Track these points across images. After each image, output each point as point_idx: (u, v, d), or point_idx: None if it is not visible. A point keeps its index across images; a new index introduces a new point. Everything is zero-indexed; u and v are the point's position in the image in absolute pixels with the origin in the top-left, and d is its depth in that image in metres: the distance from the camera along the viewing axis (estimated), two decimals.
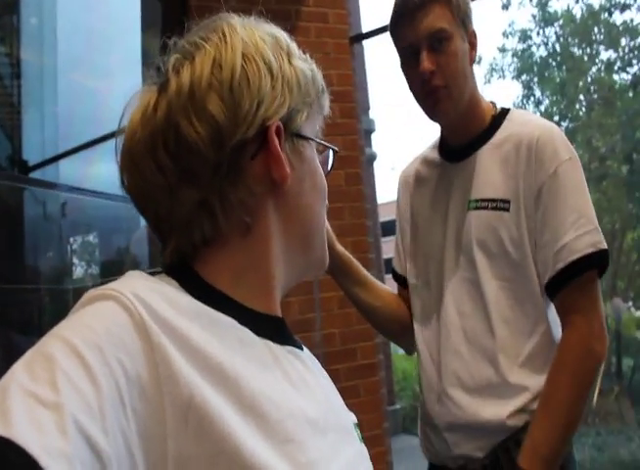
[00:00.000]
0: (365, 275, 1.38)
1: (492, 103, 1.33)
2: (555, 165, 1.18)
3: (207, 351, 0.51)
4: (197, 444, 0.46)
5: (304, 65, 0.67)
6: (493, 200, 1.22)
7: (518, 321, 1.20)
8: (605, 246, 1.17)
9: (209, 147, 0.58)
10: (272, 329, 0.63)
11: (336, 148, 0.73)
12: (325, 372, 0.72)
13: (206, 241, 0.61)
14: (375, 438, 2.61)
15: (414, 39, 1.22)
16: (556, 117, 11.23)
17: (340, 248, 1.32)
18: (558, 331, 1.20)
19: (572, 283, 1.16)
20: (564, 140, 1.22)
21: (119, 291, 0.50)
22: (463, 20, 1.24)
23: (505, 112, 1.30)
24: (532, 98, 12.21)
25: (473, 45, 1.27)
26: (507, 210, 1.21)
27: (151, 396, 0.46)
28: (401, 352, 1.79)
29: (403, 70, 1.30)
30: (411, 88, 1.28)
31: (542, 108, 11.86)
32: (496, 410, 1.18)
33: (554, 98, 11.90)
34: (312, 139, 0.67)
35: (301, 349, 0.68)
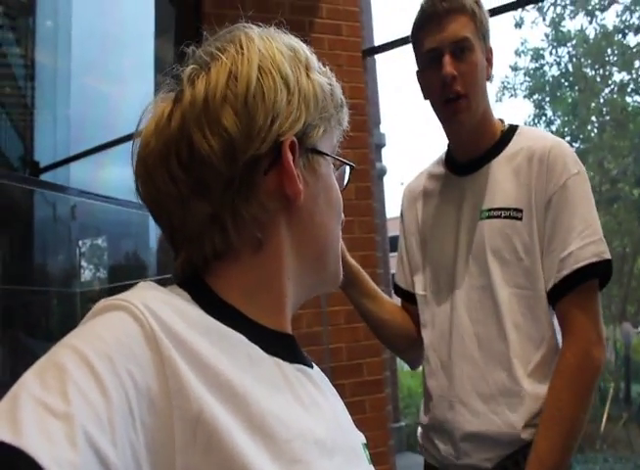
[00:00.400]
0: (374, 288, 1.38)
1: (501, 120, 1.36)
2: (565, 178, 1.21)
3: (217, 367, 0.50)
4: (204, 460, 0.46)
5: (323, 78, 0.65)
6: (506, 209, 1.25)
7: (529, 328, 1.22)
8: (609, 256, 1.20)
9: (222, 161, 0.57)
10: (282, 347, 0.61)
11: (353, 164, 0.72)
12: (334, 390, 0.71)
13: (218, 254, 0.60)
14: (380, 455, 2.57)
15: (439, 44, 1.23)
16: (567, 138, 11.22)
17: (350, 260, 1.32)
18: (560, 339, 1.23)
19: (575, 290, 1.18)
20: (573, 155, 1.25)
21: (131, 302, 0.49)
22: (484, 34, 1.27)
23: (514, 128, 1.34)
24: (544, 117, 12.21)
25: (489, 61, 1.30)
26: (520, 218, 1.24)
27: (160, 409, 0.45)
28: (407, 368, 1.79)
29: (422, 76, 1.30)
30: (430, 94, 1.30)
31: (554, 128, 11.85)
32: (512, 420, 1.19)
33: (566, 118, 11.90)
34: (328, 155, 0.66)
35: (311, 366, 0.66)
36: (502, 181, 1.28)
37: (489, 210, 1.27)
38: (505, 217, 1.25)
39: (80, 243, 3.05)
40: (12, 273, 2.62)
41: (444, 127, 1.33)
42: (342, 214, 0.71)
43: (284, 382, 0.58)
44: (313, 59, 0.66)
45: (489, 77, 1.31)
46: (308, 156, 0.63)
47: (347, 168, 0.72)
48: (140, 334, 0.47)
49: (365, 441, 0.69)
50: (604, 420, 6.33)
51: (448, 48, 1.23)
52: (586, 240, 1.18)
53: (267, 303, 0.62)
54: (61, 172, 3.90)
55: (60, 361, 0.43)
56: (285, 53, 0.62)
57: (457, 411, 1.25)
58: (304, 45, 0.66)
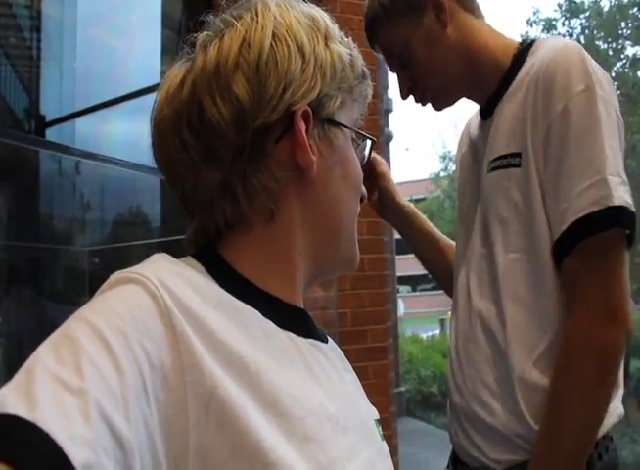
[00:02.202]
0: (429, 228, 1.32)
1: (522, 41, 1.12)
2: (565, 100, 0.95)
3: (230, 344, 0.50)
4: (218, 435, 0.46)
5: (343, 49, 0.64)
6: (504, 156, 1.05)
7: (535, 303, 1.00)
8: (617, 201, 0.91)
9: (232, 128, 0.57)
10: (295, 321, 0.62)
11: (374, 138, 0.71)
12: (349, 366, 0.72)
13: (230, 225, 0.61)
14: (382, 421, 2.58)
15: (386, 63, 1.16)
16: None
17: (401, 200, 1.26)
18: None
19: (577, 249, 0.94)
20: (582, 63, 0.97)
21: (145, 275, 0.49)
22: (405, 6, 1.10)
23: (529, 46, 1.09)
24: None
25: (438, 7, 1.12)
26: (518, 165, 1.02)
27: (173, 384, 0.46)
28: (408, 334, 1.77)
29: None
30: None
31: None
32: (520, 415, 1.01)
33: None
34: (346, 127, 0.64)
35: (326, 341, 0.67)
36: (505, 121, 1.07)
37: (493, 160, 1.08)
38: (504, 167, 1.04)
39: (86, 198, 3.04)
40: (17, 229, 2.62)
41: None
42: (364, 190, 0.70)
43: (298, 357, 0.58)
44: (334, 29, 0.65)
45: (445, 23, 1.11)
46: (324, 126, 0.62)
47: (368, 143, 0.71)
48: (154, 308, 0.47)
49: (378, 416, 0.70)
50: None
51: (391, 66, 1.15)
52: (584, 183, 0.93)
53: (279, 275, 0.62)
54: (66, 127, 3.87)
55: (74, 335, 0.43)
56: (302, 21, 0.61)
57: (465, 398, 1.12)
58: (326, 15, 0.65)
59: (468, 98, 1.20)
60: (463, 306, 1.14)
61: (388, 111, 9.36)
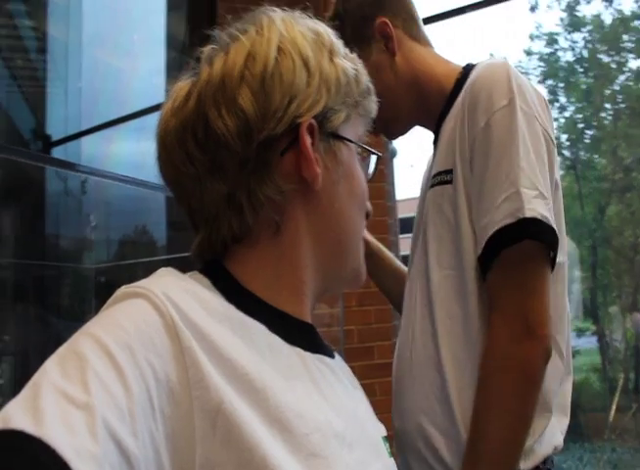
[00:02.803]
0: (396, 266, 1.31)
1: (465, 66, 1.11)
2: (488, 116, 0.94)
3: (236, 359, 0.50)
4: (224, 451, 0.46)
5: (349, 64, 0.64)
6: (440, 173, 1.05)
7: (464, 320, 0.97)
8: (529, 213, 0.88)
9: (237, 140, 0.57)
10: (303, 336, 0.61)
11: (379, 153, 0.70)
12: (357, 382, 0.71)
13: (236, 238, 0.60)
14: (389, 438, 2.56)
15: None
16: (580, 125, 11.13)
17: (368, 237, 1.25)
18: None
19: (493, 265, 0.92)
20: (506, 78, 0.95)
21: (151, 290, 0.49)
22: (353, 38, 0.95)
23: (471, 68, 1.07)
24: (557, 103, 12.09)
25: (385, 37, 1.11)
26: (450, 181, 1.01)
27: (180, 399, 0.45)
28: None
29: None
30: None
31: (567, 114, 11.74)
32: (445, 448, 0.95)
33: (579, 105, 11.78)
34: (350, 141, 0.64)
35: (332, 357, 0.66)
36: (442, 140, 1.06)
37: (432, 178, 1.07)
38: (438, 183, 1.04)
39: (91, 217, 3.05)
40: (23, 247, 2.62)
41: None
42: (369, 206, 0.69)
43: (305, 372, 0.57)
44: (339, 44, 0.65)
45: (394, 51, 1.11)
46: (329, 141, 0.62)
47: (373, 159, 0.70)
48: (160, 323, 0.47)
49: (385, 433, 0.68)
50: (613, 410, 6.32)
51: None
52: (501, 197, 0.91)
53: (286, 290, 0.61)
54: (72, 146, 3.90)
55: (80, 350, 0.43)
56: (307, 36, 0.61)
57: (403, 422, 1.05)
58: (331, 31, 0.65)
59: (420, 126, 1.19)
60: (404, 327, 1.10)
61: None
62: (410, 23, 1.15)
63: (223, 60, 0.59)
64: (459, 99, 1.05)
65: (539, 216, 0.89)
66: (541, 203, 0.90)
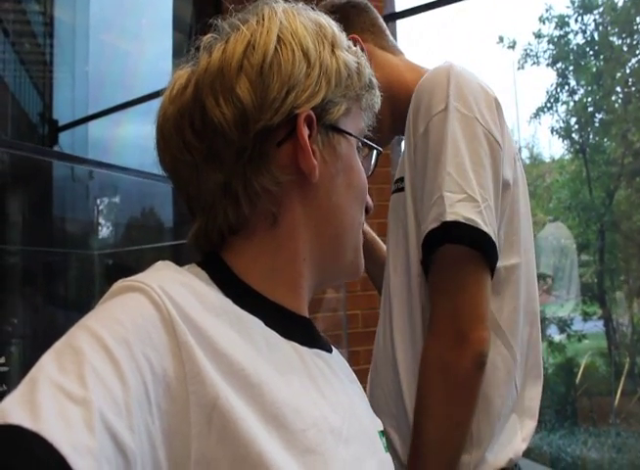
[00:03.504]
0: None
1: (428, 70, 1.09)
2: (426, 122, 0.94)
3: (232, 354, 0.50)
4: (220, 446, 0.46)
5: (350, 57, 0.63)
6: (396, 181, 1.06)
7: (412, 326, 0.98)
8: (450, 217, 0.87)
9: (234, 129, 0.57)
10: (300, 330, 0.61)
11: (380, 149, 0.70)
12: (354, 376, 0.71)
13: (233, 229, 0.60)
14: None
15: None
16: (590, 108, 11.00)
17: (364, 227, 1.26)
18: None
19: (431, 270, 0.92)
20: (446, 83, 0.94)
21: (148, 284, 0.49)
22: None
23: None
24: (567, 87, 11.95)
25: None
26: (402, 188, 1.02)
27: (176, 394, 0.45)
28: None
29: None
30: None
31: (576, 97, 11.61)
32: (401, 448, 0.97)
33: (589, 88, 11.63)
34: (350, 135, 0.64)
35: (330, 351, 0.66)
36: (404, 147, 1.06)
37: (393, 184, 1.09)
38: (395, 191, 1.06)
39: (98, 202, 3.07)
40: (30, 234, 2.64)
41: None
42: (369, 201, 0.70)
43: (301, 367, 0.58)
44: (342, 37, 0.64)
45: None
46: (328, 133, 0.61)
47: (375, 154, 0.71)
48: (157, 318, 0.47)
49: (382, 428, 0.69)
50: (618, 395, 6.30)
51: None
52: (430, 202, 0.91)
53: (284, 283, 0.61)
54: (79, 130, 3.90)
55: (77, 345, 0.43)
56: (309, 27, 0.61)
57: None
58: (334, 23, 0.65)
59: (399, 134, 1.18)
60: (377, 332, 1.12)
61: None
62: (379, 36, 1.16)
63: (222, 48, 0.59)
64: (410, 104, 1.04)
65: (462, 219, 0.87)
66: (468, 206, 0.88)
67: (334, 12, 1.11)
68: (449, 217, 0.88)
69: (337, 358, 0.68)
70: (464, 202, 0.89)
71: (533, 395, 1.03)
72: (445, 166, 0.90)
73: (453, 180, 0.90)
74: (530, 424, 1.01)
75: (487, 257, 0.90)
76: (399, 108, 1.10)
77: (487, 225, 0.89)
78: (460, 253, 0.89)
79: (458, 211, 0.88)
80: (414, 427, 0.92)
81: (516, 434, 0.98)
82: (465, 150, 0.91)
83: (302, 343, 0.60)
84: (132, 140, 3.58)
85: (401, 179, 1.03)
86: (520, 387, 1.00)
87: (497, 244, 0.91)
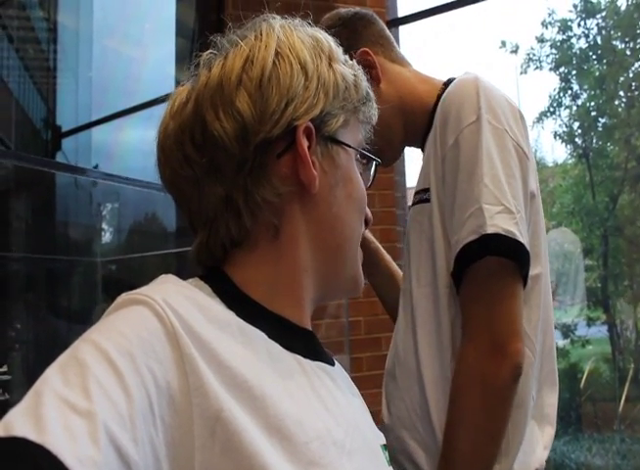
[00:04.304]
0: (393, 268, 1.32)
1: (446, 81, 1.11)
2: (456, 133, 0.95)
3: (236, 367, 0.50)
4: (223, 459, 0.46)
5: (347, 70, 0.64)
6: (419, 192, 1.06)
7: (439, 338, 0.98)
8: (490, 229, 0.88)
9: (234, 142, 0.57)
10: (303, 343, 0.62)
11: (378, 160, 0.71)
12: (356, 389, 0.71)
13: (235, 242, 0.61)
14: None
15: None
16: (593, 113, 10.99)
17: (368, 235, 1.26)
18: None
19: (465, 281, 0.92)
20: (475, 94, 0.95)
21: (152, 297, 0.50)
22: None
23: (450, 83, 1.06)
24: (570, 91, 11.95)
25: (368, 66, 1.09)
26: (428, 200, 1.02)
27: (180, 406, 0.46)
28: None
29: None
30: None
31: (579, 102, 11.61)
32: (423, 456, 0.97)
33: (592, 92, 11.63)
34: (349, 146, 0.65)
35: (332, 364, 0.66)
36: (424, 158, 1.07)
37: (414, 195, 1.08)
38: (417, 202, 1.05)
39: (102, 207, 3.07)
40: (33, 241, 2.65)
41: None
42: (368, 212, 0.70)
43: (304, 380, 0.58)
44: (339, 51, 0.65)
45: (379, 79, 1.11)
46: (327, 144, 0.62)
47: (373, 165, 0.71)
48: (161, 330, 0.47)
49: (384, 442, 0.69)
50: (622, 400, 6.26)
51: None
52: (467, 214, 0.91)
53: (286, 295, 0.62)
54: (83, 135, 3.92)
55: (82, 357, 0.43)
56: (306, 41, 0.62)
57: (388, 437, 1.02)
58: (331, 38, 0.66)
59: (409, 146, 1.19)
60: (392, 343, 1.11)
61: None
62: (388, 48, 1.16)
63: (221, 64, 0.60)
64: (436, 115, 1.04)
65: (502, 232, 0.88)
66: (506, 218, 0.89)
67: (341, 25, 1.12)
68: (490, 230, 0.88)
69: (339, 372, 0.68)
70: (502, 214, 0.89)
71: (551, 401, 1.03)
72: (482, 178, 0.91)
73: (490, 192, 0.91)
74: (550, 431, 1.02)
75: (523, 268, 0.91)
76: (413, 120, 1.11)
77: (523, 236, 0.90)
78: (499, 264, 0.90)
79: (497, 223, 0.89)
80: (446, 438, 0.92)
81: (538, 442, 0.99)
82: (498, 162, 0.93)
83: (305, 355, 0.60)
84: (135, 145, 3.60)
85: (424, 191, 1.03)
86: (535, 394, 1.00)
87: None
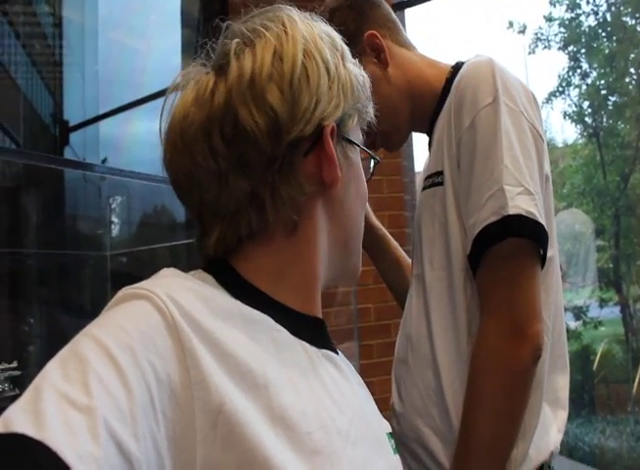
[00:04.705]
0: (397, 252, 1.33)
1: (454, 65, 1.10)
2: (472, 115, 0.95)
3: (240, 356, 0.50)
4: (226, 451, 0.46)
5: (357, 70, 0.65)
6: (431, 175, 1.05)
7: (455, 320, 0.98)
8: (512, 210, 0.88)
9: (267, 139, 0.57)
10: (310, 330, 0.62)
11: (378, 158, 0.72)
12: (360, 378, 0.71)
13: (252, 234, 0.60)
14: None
15: None
16: (603, 91, 10.86)
17: (375, 222, 1.28)
18: None
19: (484, 262, 0.92)
20: (491, 76, 0.95)
21: (153, 291, 0.50)
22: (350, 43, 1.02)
23: (460, 66, 1.06)
24: (579, 70, 11.78)
25: (376, 50, 1.10)
26: (441, 183, 1.01)
27: (181, 400, 0.46)
28: None
29: None
30: None
31: (589, 81, 11.45)
32: (442, 441, 0.97)
33: (602, 71, 11.46)
34: (359, 146, 0.66)
35: (337, 353, 0.66)
36: (434, 142, 1.07)
37: (424, 180, 1.08)
38: (430, 186, 1.05)
39: (111, 200, 3.09)
40: (43, 237, 2.66)
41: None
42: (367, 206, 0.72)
43: (309, 368, 0.58)
44: (347, 49, 0.66)
45: (386, 63, 1.10)
46: (343, 144, 0.63)
47: (372, 161, 0.72)
48: (162, 324, 0.47)
49: (390, 430, 0.69)
50: (636, 382, 6.22)
51: None
52: (487, 195, 0.91)
53: (298, 284, 0.62)
54: (90, 130, 3.94)
55: (82, 352, 0.43)
56: (325, 39, 0.62)
57: (400, 424, 1.06)
58: (338, 34, 0.66)
59: (416, 131, 1.19)
60: (401, 329, 1.12)
61: None
62: (395, 31, 1.15)
63: (252, 56, 0.59)
64: (448, 99, 1.04)
65: (524, 213, 0.88)
66: (526, 199, 0.90)
67: (347, 7, 1.12)
68: (512, 211, 0.88)
69: (345, 361, 0.69)
70: (523, 195, 0.90)
71: (563, 385, 1.04)
72: (502, 160, 0.91)
73: (510, 173, 0.91)
74: (563, 414, 1.02)
75: (542, 249, 0.92)
76: (420, 105, 1.11)
77: (542, 218, 0.91)
78: (520, 246, 0.90)
79: (519, 204, 0.89)
80: (463, 422, 0.92)
81: (552, 425, 0.99)
82: (516, 143, 0.93)
83: (311, 342, 0.60)
84: (143, 137, 3.60)
85: (437, 174, 1.03)
86: (546, 377, 1.00)
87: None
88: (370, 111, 0.68)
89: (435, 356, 0.99)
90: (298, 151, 0.59)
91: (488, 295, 0.92)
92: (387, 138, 1.13)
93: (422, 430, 1.01)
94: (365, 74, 0.67)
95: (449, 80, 1.07)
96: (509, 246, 0.90)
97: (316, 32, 0.62)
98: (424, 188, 1.08)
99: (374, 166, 0.73)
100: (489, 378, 0.89)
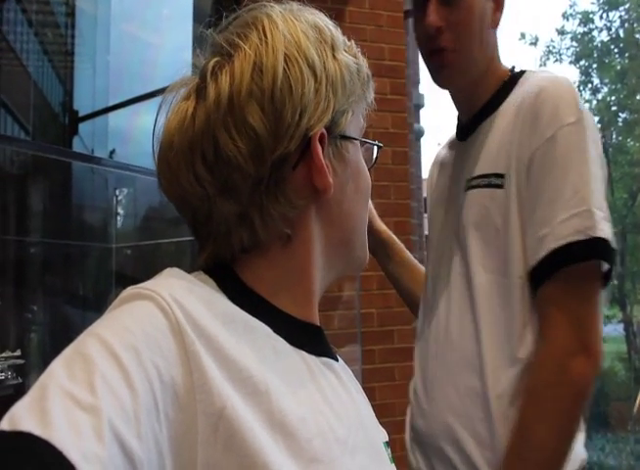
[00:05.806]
0: (404, 255, 1.33)
1: (511, 68, 1.12)
2: (554, 129, 0.95)
3: (241, 362, 0.50)
4: (225, 455, 0.46)
5: (349, 57, 0.62)
6: (486, 175, 1.04)
7: (508, 326, 0.98)
8: (601, 233, 0.90)
9: (249, 162, 0.55)
10: (308, 339, 0.61)
11: (380, 144, 0.69)
12: (359, 386, 0.70)
13: (246, 249, 0.60)
14: (404, 424, 2.58)
15: None
16: (614, 108, 10.87)
17: (380, 225, 1.28)
18: None
19: (553, 280, 0.93)
20: (573, 96, 0.98)
21: (157, 292, 0.49)
22: None
23: (519, 75, 1.09)
24: (590, 85, 11.82)
25: (498, 4, 1.09)
26: (501, 186, 1.01)
27: (184, 402, 0.46)
28: None
29: (413, 21, 1.13)
30: (418, 44, 1.11)
31: (599, 96, 11.47)
32: (496, 454, 0.95)
33: (613, 86, 11.48)
34: (357, 139, 0.64)
35: (336, 360, 0.66)
36: (490, 142, 1.05)
37: (473, 178, 1.06)
38: (485, 186, 1.03)
39: (118, 192, 3.09)
40: (48, 226, 2.66)
41: (436, 84, 1.13)
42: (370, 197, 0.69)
43: (308, 376, 0.58)
44: (338, 35, 0.63)
45: (496, 24, 1.09)
46: (337, 143, 0.61)
47: (375, 147, 0.70)
48: (166, 326, 0.47)
49: (387, 439, 0.69)
50: (637, 401, 6.21)
51: None
52: (570, 212, 0.92)
53: (296, 292, 0.61)
54: (99, 120, 3.94)
55: (87, 352, 0.43)
56: (310, 35, 0.59)
57: (428, 422, 1.06)
58: (327, 19, 0.63)
59: (461, 102, 1.16)
60: (435, 327, 1.10)
61: (419, 106, 9.20)
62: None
63: (229, 74, 0.57)
64: (506, 106, 1.05)
65: (608, 237, 0.92)
66: (608, 225, 0.93)
67: None
68: (599, 234, 0.91)
69: (344, 368, 0.68)
70: (606, 221, 0.93)
71: None
72: (589, 181, 0.93)
73: (597, 197, 0.93)
74: (582, 436, 1.01)
75: (610, 274, 0.96)
76: (481, 81, 1.09)
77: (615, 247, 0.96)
78: (597, 268, 0.94)
79: (604, 228, 0.92)
80: (522, 432, 0.91)
81: (578, 440, 0.98)
82: (599, 169, 0.96)
83: (310, 351, 0.60)
84: (151, 130, 3.60)
85: (496, 176, 1.02)
86: None
87: None
88: (371, 92, 0.66)
89: (482, 358, 0.99)
90: (286, 166, 0.57)
91: (557, 310, 0.93)
92: (452, 59, 1.07)
93: (456, 429, 1.00)
94: (360, 57, 0.64)
95: (506, 84, 1.09)
96: (591, 267, 0.93)
97: (300, 29, 0.59)
98: (472, 186, 1.06)
99: (377, 151, 0.70)
100: (553, 393, 0.90)
